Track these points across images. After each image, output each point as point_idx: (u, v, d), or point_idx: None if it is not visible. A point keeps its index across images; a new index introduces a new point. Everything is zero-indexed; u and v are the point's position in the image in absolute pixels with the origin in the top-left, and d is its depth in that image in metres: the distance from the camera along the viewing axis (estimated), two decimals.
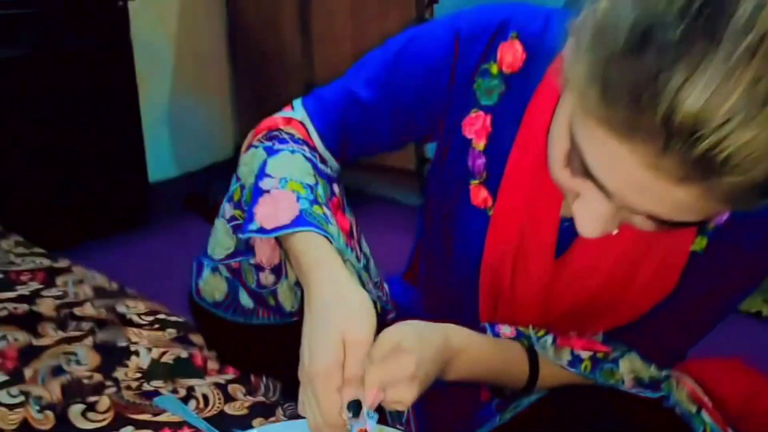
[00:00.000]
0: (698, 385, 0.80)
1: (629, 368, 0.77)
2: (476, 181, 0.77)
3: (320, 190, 0.73)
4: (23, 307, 1.06)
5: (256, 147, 0.79)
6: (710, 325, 0.79)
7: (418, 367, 0.63)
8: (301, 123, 0.82)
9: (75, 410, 0.83)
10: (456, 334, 0.72)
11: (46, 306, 1.08)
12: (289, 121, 0.82)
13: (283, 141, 0.78)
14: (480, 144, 0.76)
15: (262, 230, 0.68)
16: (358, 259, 0.76)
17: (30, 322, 1.03)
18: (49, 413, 0.82)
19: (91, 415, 0.83)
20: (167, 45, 2.83)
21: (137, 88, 2.33)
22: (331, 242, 0.67)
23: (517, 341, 0.78)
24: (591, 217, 0.58)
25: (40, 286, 1.17)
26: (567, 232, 0.74)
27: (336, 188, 0.79)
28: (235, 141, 3.15)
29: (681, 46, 0.44)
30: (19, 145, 2.10)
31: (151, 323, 1.06)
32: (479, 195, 0.77)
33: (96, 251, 2.20)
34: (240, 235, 0.73)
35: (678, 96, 0.44)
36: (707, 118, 0.44)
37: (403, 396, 0.62)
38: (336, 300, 0.62)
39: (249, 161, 0.79)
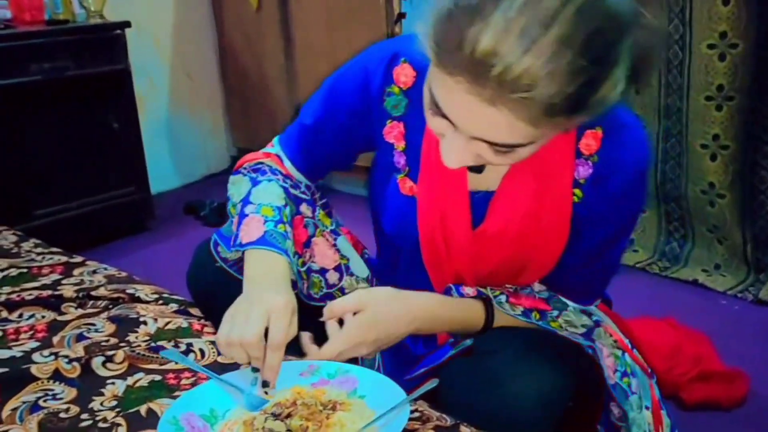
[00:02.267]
0: (626, 337, 0.98)
1: (566, 319, 0.94)
2: (401, 175, 0.96)
3: (287, 211, 0.95)
4: (47, 293, 1.24)
5: (244, 175, 1.03)
6: (610, 262, 0.96)
7: (378, 342, 0.87)
8: (277, 155, 1.04)
9: (96, 362, 1.00)
10: (420, 305, 0.91)
11: (66, 290, 1.25)
12: (268, 155, 1.05)
13: (263, 172, 1.01)
14: (400, 146, 0.95)
15: (241, 245, 0.91)
16: (304, 264, 1.02)
17: (54, 303, 1.20)
18: (76, 364, 0.99)
19: (109, 365, 1.00)
20: (162, 66, 3.00)
21: (136, 104, 2.49)
22: (281, 255, 0.89)
23: (476, 299, 0.93)
24: (450, 149, 0.75)
25: (60, 277, 1.34)
26: (479, 203, 0.92)
27: (303, 207, 1.03)
28: (229, 152, 3.31)
29: (477, 8, 0.65)
30: (34, 163, 2.26)
31: (156, 300, 1.23)
32: (406, 185, 0.96)
33: (105, 254, 2.33)
34: (230, 249, 0.98)
35: (477, 40, 0.64)
36: (496, 53, 0.64)
37: (365, 355, 0.85)
38: (258, 301, 0.84)
39: (237, 185, 1.02)
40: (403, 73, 0.92)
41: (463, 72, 0.67)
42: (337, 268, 1.06)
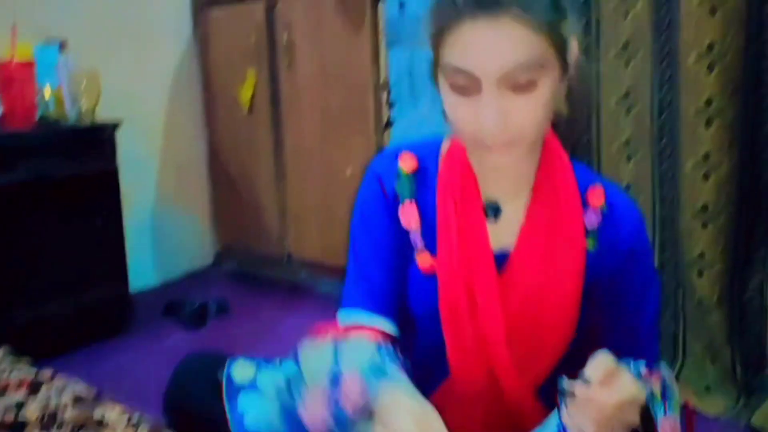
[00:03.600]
0: None
1: None
2: (420, 251, 0.97)
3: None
4: (10, 416, 1.17)
5: (324, 348, 0.93)
6: (651, 318, 0.97)
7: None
8: (354, 325, 0.96)
9: None
10: None
11: (30, 413, 1.19)
12: (345, 330, 0.96)
13: (343, 341, 0.93)
14: (415, 227, 0.97)
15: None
16: None
17: (17, 428, 1.14)
18: None
19: None
20: (152, 160, 3.01)
21: (121, 203, 2.47)
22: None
23: None
24: (488, 113, 0.80)
25: (26, 395, 1.29)
26: (498, 261, 0.93)
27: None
28: (213, 248, 3.28)
29: None
30: (13, 263, 2.21)
31: (126, 423, 1.17)
32: (425, 262, 0.96)
33: (79, 360, 2.28)
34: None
35: None
36: None
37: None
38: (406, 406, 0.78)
39: (316, 360, 0.93)
40: (407, 160, 0.99)
41: (463, 10, 0.79)
42: None
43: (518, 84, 0.80)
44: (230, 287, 3.05)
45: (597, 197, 0.93)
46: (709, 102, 1.64)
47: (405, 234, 0.98)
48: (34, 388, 1.33)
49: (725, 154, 1.65)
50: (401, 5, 2.21)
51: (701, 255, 1.72)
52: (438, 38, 0.83)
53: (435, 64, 0.87)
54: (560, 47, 0.82)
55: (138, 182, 2.90)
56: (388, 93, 2.34)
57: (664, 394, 0.91)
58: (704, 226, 1.70)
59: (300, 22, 2.59)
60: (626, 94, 1.86)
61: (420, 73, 2.22)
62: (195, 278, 3.15)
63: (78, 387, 1.36)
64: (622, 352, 0.94)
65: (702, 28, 1.61)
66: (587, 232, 0.92)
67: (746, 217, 1.69)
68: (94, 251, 2.42)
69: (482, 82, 0.80)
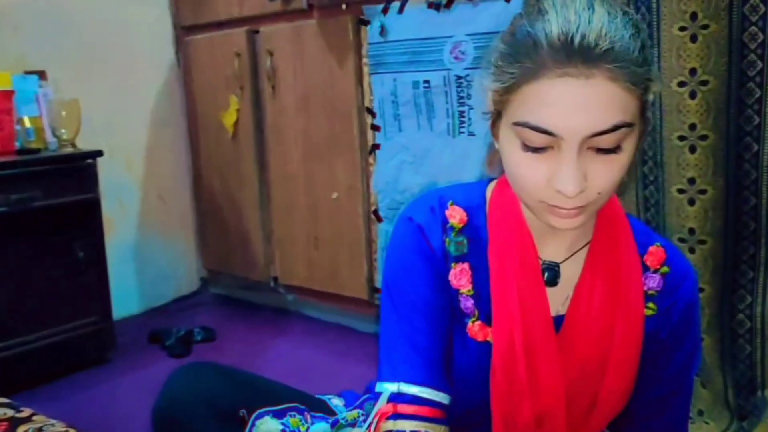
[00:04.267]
0: None
1: None
2: (472, 320, 0.89)
3: None
4: None
5: None
6: (689, 388, 0.95)
7: None
8: (409, 401, 0.87)
9: None
10: None
11: None
12: (399, 409, 0.87)
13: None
14: (466, 289, 0.89)
15: None
16: None
17: None
18: None
19: None
20: (134, 188, 2.99)
21: (103, 232, 2.45)
22: None
23: None
24: (569, 176, 0.73)
25: None
26: (555, 326, 0.88)
27: None
28: (199, 274, 3.26)
29: (531, 15, 0.75)
30: None
31: None
32: (479, 332, 0.89)
33: (61, 391, 2.25)
34: None
35: (549, 29, 0.72)
36: (568, 29, 0.71)
37: None
38: None
39: None
40: (455, 213, 0.90)
41: (548, 64, 0.70)
42: None
43: (602, 146, 0.73)
44: (216, 313, 3.02)
45: (657, 259, 0.89)
46: (693, 127, 1.64)
47: (453, 295, 0.90)
48: (13, 427, 1.30)
49: (711, 178, 1.65)
50: (382, 29, 2.20)
51: None
52: (508, 91, 0.74)
53: (496, 116, 0.79)
54: (645, 104, 0.76)
55: (121, 210, 2.89)
56: (373, 117, 2.34)
57: None
58: (692, 251, 1.69)
59: (283, 47, 2.59)
60: None
61: (404, 97, 2.21)
62: (180, 304, 3.12)
63: (58, 426, 1.33)
64: (648, 422, 0.93)
65: (683, 54, 1.61)
66: (646, 296, 0.88)
67: (734, 241, 1.68)
68: (75, 281, 2.38)
69: (564, 142, 0.72)
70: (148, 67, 3.00)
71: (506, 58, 0.74)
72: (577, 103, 0.70)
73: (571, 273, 0.88)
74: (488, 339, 0.89)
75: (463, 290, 0.89)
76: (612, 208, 0.89)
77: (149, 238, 3.05)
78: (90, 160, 2.37)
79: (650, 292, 0.89)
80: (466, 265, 0.89)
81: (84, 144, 2.44)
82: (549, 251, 0.89)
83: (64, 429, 1.34)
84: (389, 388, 0.87)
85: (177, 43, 3.05)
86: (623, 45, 0.70)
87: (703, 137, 1.64)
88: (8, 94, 2.29)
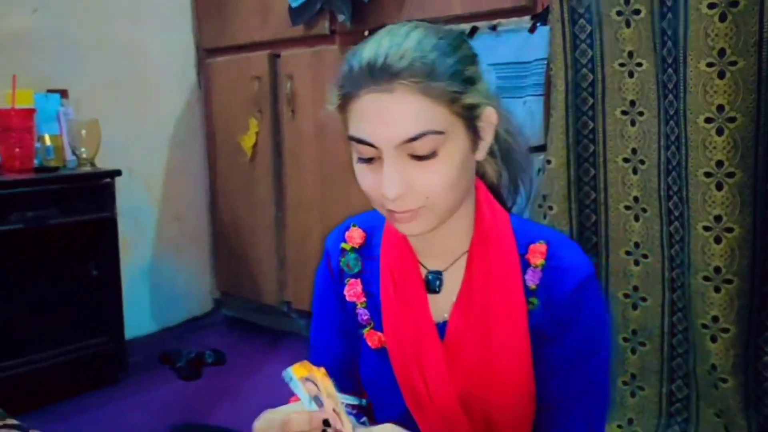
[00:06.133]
0: None
1: None
2: (367, 329, 0.97)
3: None
4: None
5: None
6: (597, 385, 0.91)
7: None
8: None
9: None
10: None
11: None
12: None
13: None
14: (360, 302, 0.98)
15: None
16: None
17: None
18: None
19: None
20: (151, 209, 2.99)
21: (119, 251, 2.44)
22: None
23: None
24: (388, 180, 0.81)
25: None
26: (442, 332, 0.92)
27: None
28: (212, 295, 3.24)
29: (355, 50, 0.85)
30: (2, 312, 2.17)
31: None
32: (374, 338, 0.96)
33: (70, 411, 2.23)
34: None
35: (362, 55, 0.82)
36: (377, 54, 0.81)
37: None
38: None
39: None
40: (354, 235, 1.01)
41: (360, 84, 0.81)
42: None
43: (417, 153, 0.81)
44: (228, 335, 3.00)
45: (537, 256, 0.91)
46: (719, 164, 1.61)
47: (351, 310, 0.99)
48: None
49: (738, 217, 1.62)
50: None
51: (714, 319, 1.67)
52: (342, 110, 0.85)
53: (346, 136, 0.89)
54: (466, 115, 0.83)
55: (137, 230, 2.89)
56: None
57: None
58: (717, 290, 1.65)
59: (303, 72, 2.59)
60: (633, 152, 1.83)
61: None
62: (192, 325, 3.11)
63: None
64: (547, 418, 0.92)
65: (710, 91, 1.59)
66: (528, 291, 0.91)
67: (760, 281, 1.64)
68: (89, 300, 2.38)
69: (383, 151, 0.81)
70: (169, 88, 3.01)
71: (337, 82, 0.85)
72: (383, 114, 0.80)
73: (456, 280, 0.93)
74: (383, 345, 0.96)
75: (358, 302, 0.98)
76: (492, 214, 0.93)
77: (164, 259, 3.05)
78: (108, 180, 2.37)
79: (531, 286, 0.91)
80: (357, 281, 0.98)
81: (103, 163, 2.45)
82: (433, 261, 0.95)
83: None
84: None
85: (198, 65, 3.07)
86: (424, 63, 0.79)
87: (730, 174, 1.61)
88: (30, 112, 2.30)
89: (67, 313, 2.32)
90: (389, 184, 0.81)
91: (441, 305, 0.93)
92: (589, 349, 0.90)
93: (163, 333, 3.01)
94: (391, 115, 0.79)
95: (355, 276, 0.99)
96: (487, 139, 0.87)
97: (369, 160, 0.83)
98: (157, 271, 3.02)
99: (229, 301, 3.19)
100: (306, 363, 0.80)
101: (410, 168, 0.81)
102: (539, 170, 1.99)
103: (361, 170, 0.85)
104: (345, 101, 0.84)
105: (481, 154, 0.87)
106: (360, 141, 0.82)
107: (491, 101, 0.86)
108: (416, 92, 0.79)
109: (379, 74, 0.79)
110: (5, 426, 1.43)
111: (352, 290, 0.99)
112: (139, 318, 2.86)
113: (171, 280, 3.08)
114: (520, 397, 0.91)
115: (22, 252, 2.20)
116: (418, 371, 0.91)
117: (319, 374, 0.79)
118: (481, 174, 0.95)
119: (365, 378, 0.98)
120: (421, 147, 0.80)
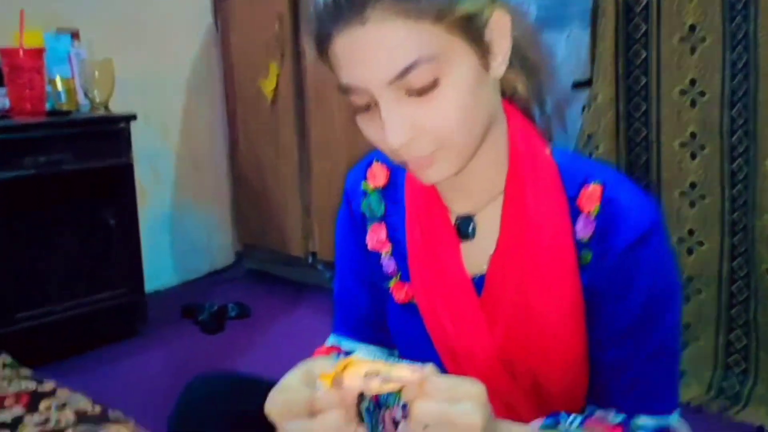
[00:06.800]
0: None
1: None
2: (393, 281, 0.86)
3: None
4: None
5: None
6: (662, 344, 0.78)
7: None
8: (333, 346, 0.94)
9: None
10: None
11: None
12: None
13: None
14: (385, 250, 0.87)
15: None
16: None
17: None
18: None
19: None
20: (169, 157, 2.89)
21: (136, 200, 2.35)
22: None
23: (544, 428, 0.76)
24: (388, 126, 0.69)
25: (23, 412, 1.17)
26: (478, 287, 0.81)
27: None
28: (234, 248, 3.16)
29: None
30: (18, 262, 2.10)
31: None
32: (401, 292, 0.86)
33: (88, 364, 2.17)
34: None
35: None
36: None
37: (476, 418, 0.59)
38: None
39: None
40: (376, 173, 0.89)
41: (330, 22, 0.68)
42: None
43: (414, 87, 0.67)
44: (251, 288, 2.92)
45: (592, 199, 0.76)
46: None
47: (376, 260, 0.88)
48: (34, 402, 1.20)
49: None
50: None
51: None
52: (322, 57, 0.72)
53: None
54: (466, 29, 0.68)
55: (155, 178, 2.79)
56: None
57: None
58: None
59: None
60: (692, 83, 1.68)
61: None
62: (215, 278, 3.03)
63: (82, 402, 1.24)
64: (604, 388, 0.79)
65: None
66: (580, 244, 0.76)
67: None
68: (106, 250, 2.29)
69: (375, 94, 0.69)
70: (184, 29, 2.87)
71: (307, 27, 0.72)
72: (361, 52, 0.67)
73: (493, 226, 0.80)
74: (411, 299, 0.85)
75: (383, 251, 0.87)
76: (527, 143, 0.79)
77: (183, 209, 2.95)
78: (123, 124, 2.26)
79: (583, 238, 0.76)
80: (381, 226, 0.87)
81: (117, 108, 2.34)
82: (464, 204, 0.82)
83: (91, 405, 1.24)
84: (329, 342, 0.94)
85: (215, 4, 2.92)
86: None
87: None
88: (39, 52, 2.18)
89: (84, 264, 2.24)
90: (391, 131, 0.69)
91: (478, 256, 0.80)
92: (655, 310, 0.76)
93: (184, 287, 2.93)
94: (371, 51, 0.66)
95: (379, 220, 0.88)
96: (502, 50, 0.72)
97: (366, 108, 0.71)
98: (177, 223, 2.94)
99: (251, 254, 3.10)
100: (326, 373, 0.64)
101: (412, 107, 0.68)
102: (584, 107, 1.85)
103: (362, 122, 0.73)
104: (321, 47, 0.71)
105: (497, 70, 0.72)
106: (347, 90, 0.70)
107: (496, 2, 0.70)
108: (393, 16, 0.65)
109: (346, 5, 0.66)
110: (18, 377, 1.36)
111: (376, 237, 0.88)
112: (159, 271, 2.78)
113: (191, 232, 2.99)
114: (569, 365, 0.79)
115: (37, 200, 2.12)
116: (453, 330, 0.80)
117: (341, 367, 0.63)
118: (510, 94, 0.80)
119: (395, 333, 0.89)
120: (417, 79, 0.67)
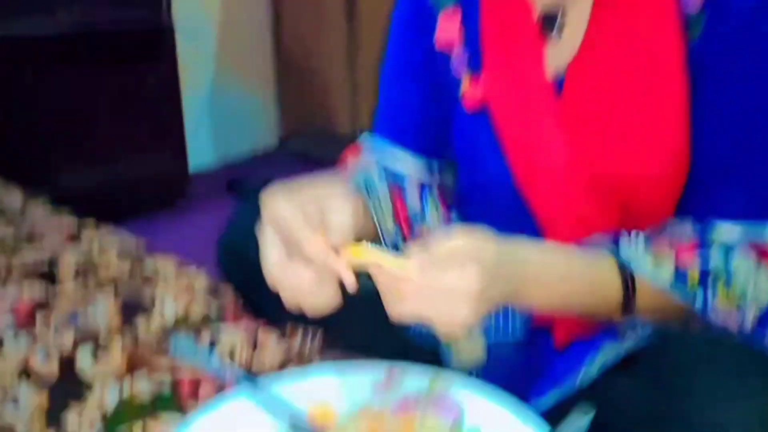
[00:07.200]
0: None
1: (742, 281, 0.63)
2: (465, 83, 0.77)
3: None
4: (42, 265, 1.00)
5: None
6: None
7: (484, 282, 0.53)
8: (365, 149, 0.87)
9: (83, 357, 0.75)
10: (533, 249, 0.61)
11: (67, 258, 1.02)
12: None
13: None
14: (456, 46, 0.78)
15: None
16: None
17: (48, 274, 0.97)
18: (54, 359, 0.75)
19: (100, 364, 0.75)
20: (210, 31, 2.78)
21: (178, 74, 2.27)
22: None
23: (604, 251, 0.65)
24: None
25: (65, 242, 1.11)
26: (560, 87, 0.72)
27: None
28: (278, 129, 3.07)
29: None
30: (58, 121, 2.06)
31: (179, 277, 0.99)
32: (473, 97, 0.76)
33: (131, 228, 2.16)
34: None
35: None
36: None
37: (460, 315, 0.53)
38: None
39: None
40: None
41: None
42: None
43: None
44: (296, 171, 2.83)
45: None
46: None
47: (444, 64, 0.79)
48: (74, 236, 1.15)
49: None
50: None
51: None
52: None
53: None
54: None
55: (196, 57, 2.67)
56: None
57: (704, 280, 0.63)
58: None
59: None
60: None
61: None
62: (258, 160, 2.96)
63: (125, 239, 1.18)
64: (705, 195, 0.67)
65: None
66: (687, 21, 0.66)
67: None
68: (148, 119, 2.23)
69: None
70: None
71: None
72: None
73: (580, 24, 0.71)
74: (483, 108, 0.76)
75: (454, 46, 0.78)
76: None
77: (225, 85, 2.85)
78: None
79: (691, 12, 0.65)
80: (456, 11, 0.78)
81: None
82: None
83: (135, 241, 1.18)
84: (365, 141, 0.87)
85: None
86: None
87: None
88: None
89: (124, 129, 2.18)
90: None
91: (560, 56, 0.72)
92: None
93: (226, 167, 2.86)
94: None
95: (454, 3, 0.78)
96: None
97: None
98: (218, 99, 2.83)
99: (297, 135, 3.01)
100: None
101: None
102: None
103: None
104: None
105: None
106: None
107: None
108: None
109: None
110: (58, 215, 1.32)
111: (448, 27, 0.78)
112: (200, 149, 2.70)
113: (233, 110, 2.89)
114: (666, 166, 0.67)
115: (69, 59, 2.03)
116: (527, 138, 0.73)
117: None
118: None
119: (462, 147, 0.80)
120: None
